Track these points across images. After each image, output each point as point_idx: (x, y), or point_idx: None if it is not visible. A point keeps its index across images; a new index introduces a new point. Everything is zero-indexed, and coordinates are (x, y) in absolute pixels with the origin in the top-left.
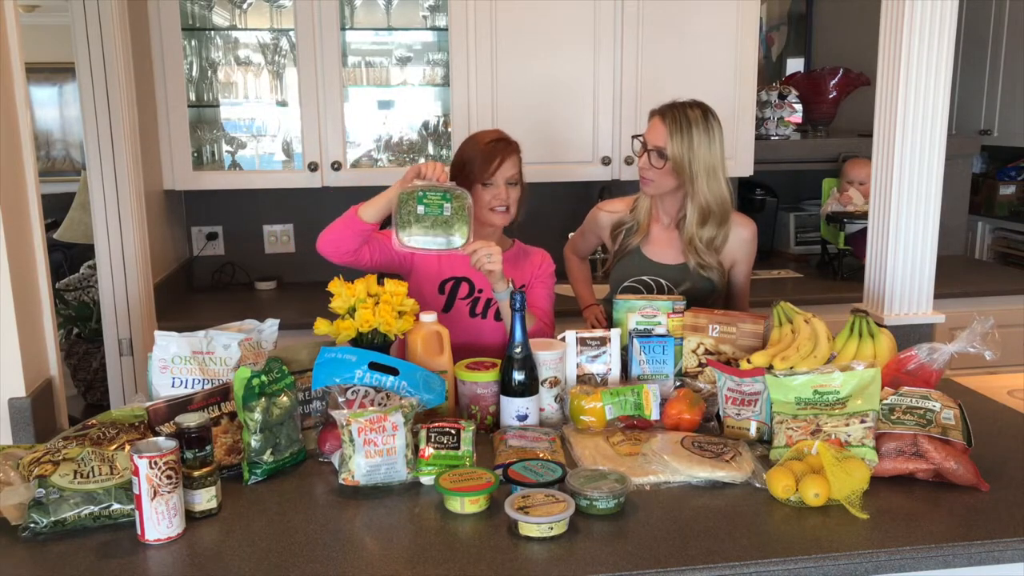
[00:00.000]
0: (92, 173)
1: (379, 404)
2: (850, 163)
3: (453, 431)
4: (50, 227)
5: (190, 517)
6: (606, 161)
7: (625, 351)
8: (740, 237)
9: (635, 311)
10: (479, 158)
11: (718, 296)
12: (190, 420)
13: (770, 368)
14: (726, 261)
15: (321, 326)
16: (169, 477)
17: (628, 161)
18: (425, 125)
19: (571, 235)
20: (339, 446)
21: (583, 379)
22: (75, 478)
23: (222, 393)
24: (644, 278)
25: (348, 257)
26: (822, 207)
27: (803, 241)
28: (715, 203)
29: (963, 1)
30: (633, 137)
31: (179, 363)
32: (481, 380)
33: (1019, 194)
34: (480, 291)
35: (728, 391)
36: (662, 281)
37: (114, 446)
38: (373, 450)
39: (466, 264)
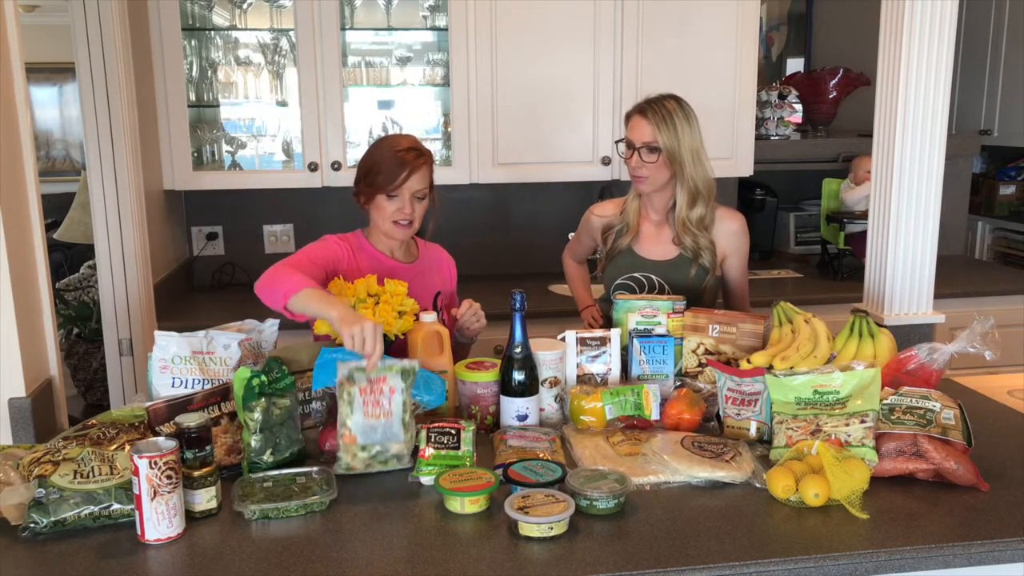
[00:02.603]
0: (92, 173)
1: None
2: (862, 157)
3: (453, 431)
4: (50, 227)
5: (190, 517)
6: (606, 161)
7: (625, 351)
8: (728, 230)
9: (635, 311)
10: (387, 167)
11: (708, 289)
12: (190, 420)
13: (770, 368)
14: (716, 251)
15: (321, 326)
16: (169, 477)
17: None
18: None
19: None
20: (339, 446)
21: (583, 379)
22: (75, 478)
23: (222, 393)
24: (636, 275)
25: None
26: (823, 207)
27: (803, 241)
28: (702, 185)
29: (963, 1)
30: (617, 142)
31: (179, 363)
32: (481, 380)
33: (1019, 194)
34: None
35: (728, 391)
36: (653, 277)
37: (114, 446)
38: (371, 411)
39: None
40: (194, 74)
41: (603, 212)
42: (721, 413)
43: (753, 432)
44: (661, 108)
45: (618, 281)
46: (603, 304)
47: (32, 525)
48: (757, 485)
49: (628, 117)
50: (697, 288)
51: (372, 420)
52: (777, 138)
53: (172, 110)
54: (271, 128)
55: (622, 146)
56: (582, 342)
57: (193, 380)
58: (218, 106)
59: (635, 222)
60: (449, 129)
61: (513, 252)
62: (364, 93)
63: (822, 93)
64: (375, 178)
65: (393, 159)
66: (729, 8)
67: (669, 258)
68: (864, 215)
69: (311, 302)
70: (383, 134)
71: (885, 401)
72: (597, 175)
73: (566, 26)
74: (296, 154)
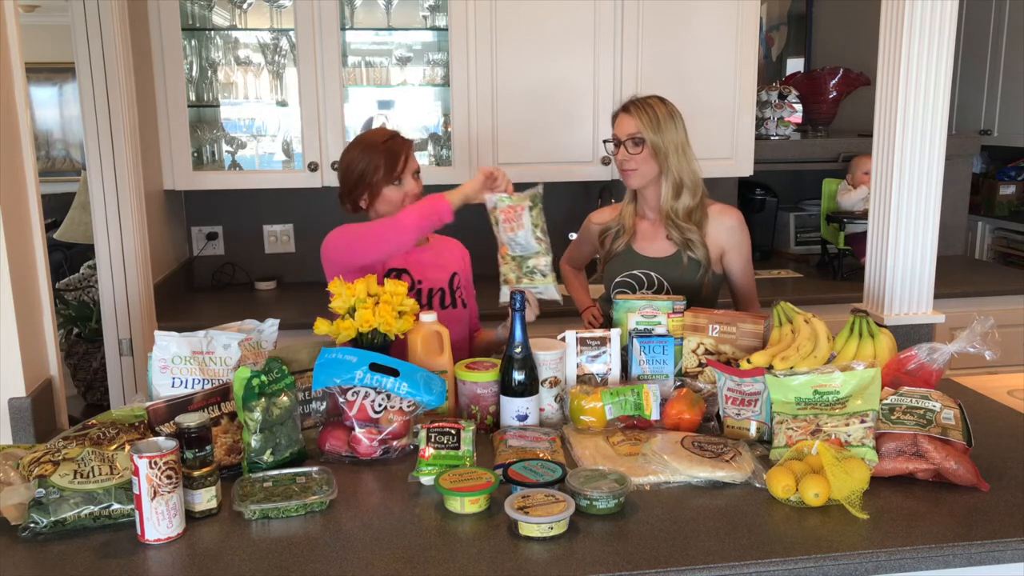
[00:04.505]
0: (92, 173)
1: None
2: (860, 158)
3: (453, 431)
4: (50, 227)
5: (190, 517)
6: (606, 161)
7: (625, 351)
8: (725, 225)
9: (635, 311)
10: (385, 160)
11: (708, 285)
12: (190, 420)
13: (770, 368)
14: (712, 247)
15: (321, 326)
16: (169, 477)
17: None
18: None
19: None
20: (339, 446)
21: (583, 379)
22: (75, 478)
23: (222, 393)
24: (635, 272)
25: (385, 256)
26: (823, 207)
27: (803, 241)
28: (686, 177)
29: (963, 1)
30: (605, 142)
31: (179, 363)
32: (481, 380)
33: (1019, 194)
34: (420, 283)
35: (728, 391)
36: (652, 274)
37: (114, 446)
38: (511, 225)
39: (401, 259)
40: (194, 74)
41: (600, 219)
42: (721, 413)
43: (753, 432)
44: (644, 104)
45: (618, 279)
46: (604, 304)
47: (32, 525)
48: (757, 485)
49: (614, 117)
50: (695, 284)
51: (512, 233)
52: (777, 138)
53: (172, 110)
54: (271, 128)
55: (610, 145)
56: (582, 342)
57: (193, 380)
58: (218, 106)
59: (631, 222)
60: (449, 129)
61: None
62: (364, 93)
63: (822, 93)
64: (375, 175)
65: (386, 151)
66: (729, 8)
67: (666, 255)
68: (864, 215)
69: (456, 197)
70: None
71: (885, 401)
72: (597, 175)
73: (566, 26)
74: (296, 154)
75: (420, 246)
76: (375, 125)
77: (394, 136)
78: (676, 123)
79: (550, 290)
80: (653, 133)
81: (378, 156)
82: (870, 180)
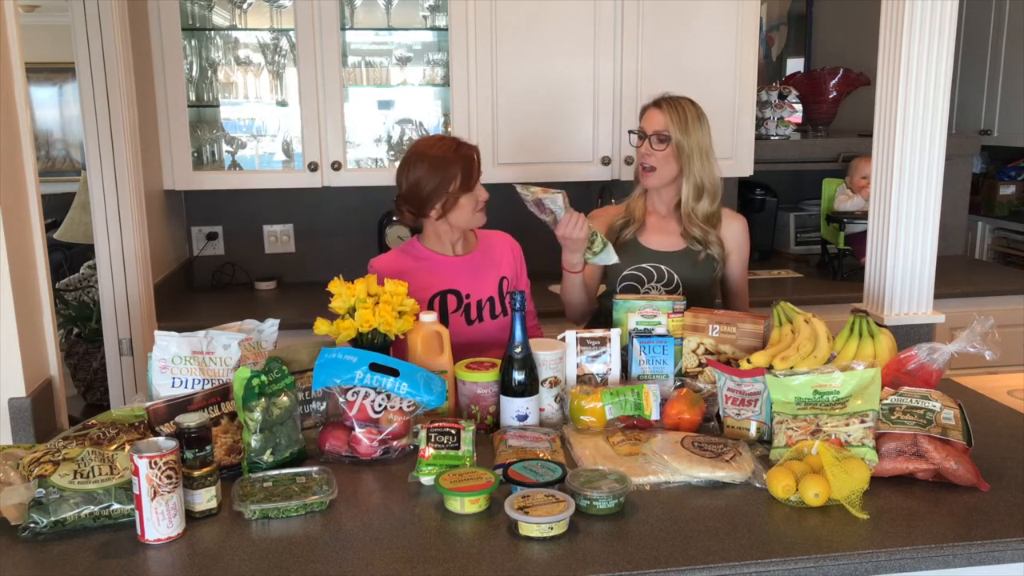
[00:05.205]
0: (92, 173)
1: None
2: (861, 160)
3: (453, 431)
4: (50, 227)
5: (190, 517)
6: (606, 161)
7: (625, 351)
8: (732, 229)
9: (635, 311)
10: (463, 170)
11: (716, 281)
12: (190, 420)
13: (770, 368)
14: (724, 246)
15: (321, 326)
16: (169, 477)
17: (628, 161)
18: (421, 124)
19: None
20: (339, 446)
21: (583, 379)
22: (75, 478)
23: (222, 393)
24: (644, 265)
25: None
26: (824, 207)
27: (803, 241)
28: (708, 181)
29: (963, 1)
30: (630, 132)
31: (179, 363)
32: (481, 380)
33: (1019, 194)
34: (468, 296)
35: (728, 391)
36: (662, 267)
37: (114, 446)
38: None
39: (451, 276)
40: (194, 74)
41: (604, 216)
42: (721, 413)
43: (753, 432)
44: (675, 103)
45: (626, 272)
46: (608, 300)
47: (32, 525)
48: (757, 485)
49: (643, 110)
50: (705, 279)
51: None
52: (777, 138)
53: (172, 110)
54: (271, 128)
55: (635, 137)
56: (582, 342)
57: (193, 380)
58: (218, 106)
59: (640, 215)
60: (449, 129)
61: None
62: (364, 93)
63: (822, 93)
64: (451, 185)
65: (463, 160)
66: (729, 8)
67: (676, 249)
68: (864, 215)
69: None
70: (383, 134)
71: (885, 401)
72: (597, 175)
73: (566, 26)
74: (296, 154)
75: (466, 255)
76: (376, 126)
77: (461, 143)
78: (703, 127)
79: (610, 251)
80: (680, 133)
81: (454, 167)
82: (868, 186)
